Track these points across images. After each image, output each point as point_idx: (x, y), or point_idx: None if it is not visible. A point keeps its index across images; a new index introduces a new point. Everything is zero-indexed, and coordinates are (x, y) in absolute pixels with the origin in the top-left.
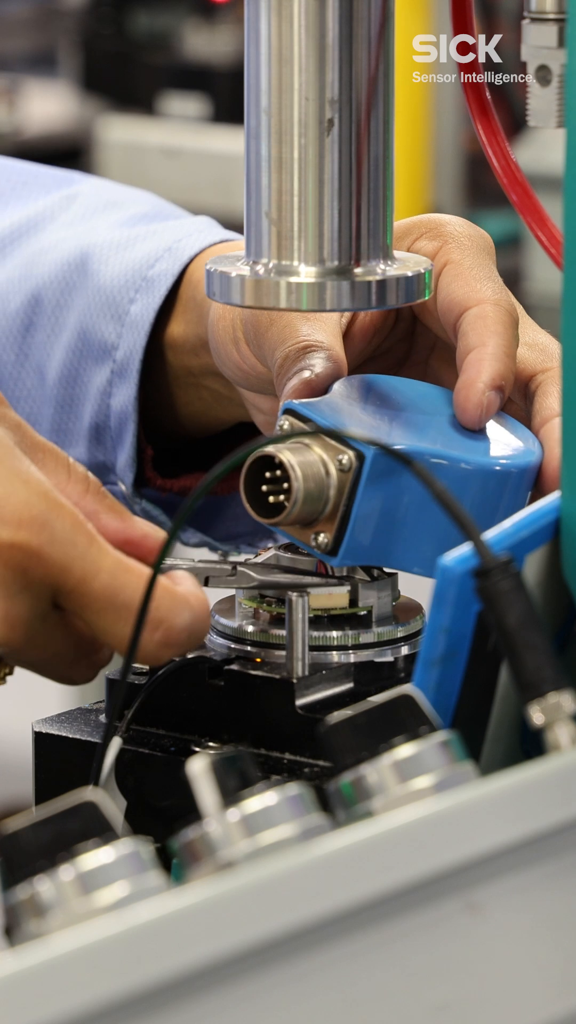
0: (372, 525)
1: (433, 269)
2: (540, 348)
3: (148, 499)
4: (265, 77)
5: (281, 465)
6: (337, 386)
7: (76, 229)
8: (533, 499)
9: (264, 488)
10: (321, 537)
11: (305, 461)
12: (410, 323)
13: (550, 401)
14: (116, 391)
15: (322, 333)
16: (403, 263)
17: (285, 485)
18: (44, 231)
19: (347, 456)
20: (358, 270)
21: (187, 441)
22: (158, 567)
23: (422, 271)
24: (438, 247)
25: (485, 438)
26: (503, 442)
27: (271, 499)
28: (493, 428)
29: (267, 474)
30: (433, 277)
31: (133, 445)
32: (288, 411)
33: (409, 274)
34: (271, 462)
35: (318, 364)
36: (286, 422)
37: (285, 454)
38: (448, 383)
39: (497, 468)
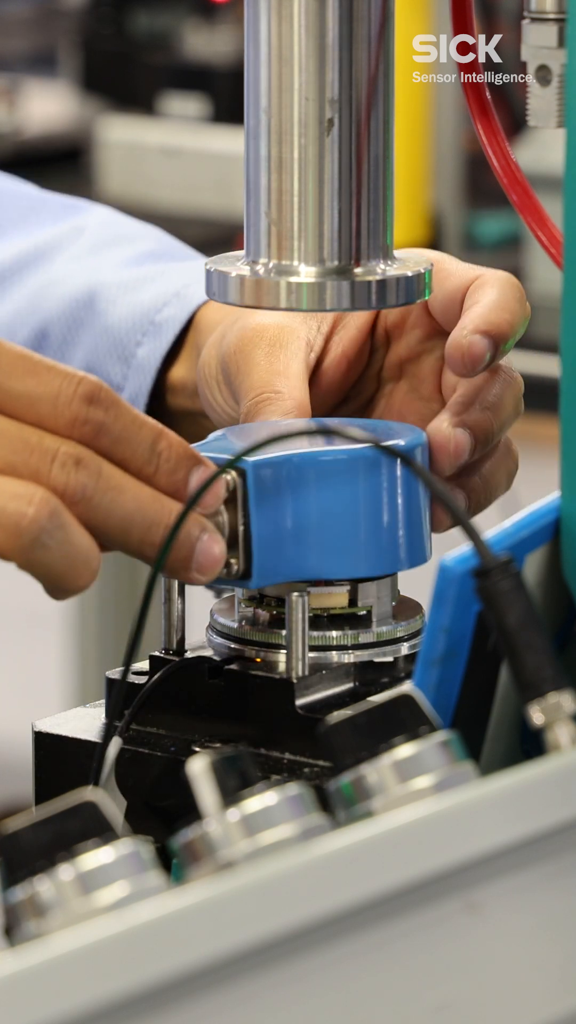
0: (278, 539)
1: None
2: (474, 268)
3: None
4: (265, 77)
5: None
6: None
7: (84, 263)
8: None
9: None
10: (233, 567)
11: None
12: (383, 354)
13: (478, 295)
14: None
15: (283, 382)
16: (403, 263)
17: None
18: (52, 263)
19: (230, 477)
20: (358, 270)
21: None
22: (159, 565)
23: (422, 271)
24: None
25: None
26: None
27: None
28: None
29: None
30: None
31: None
32: None
33: (409, 274)
34: None
35: (276, 416)
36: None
37: None
38: (413, 419)
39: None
